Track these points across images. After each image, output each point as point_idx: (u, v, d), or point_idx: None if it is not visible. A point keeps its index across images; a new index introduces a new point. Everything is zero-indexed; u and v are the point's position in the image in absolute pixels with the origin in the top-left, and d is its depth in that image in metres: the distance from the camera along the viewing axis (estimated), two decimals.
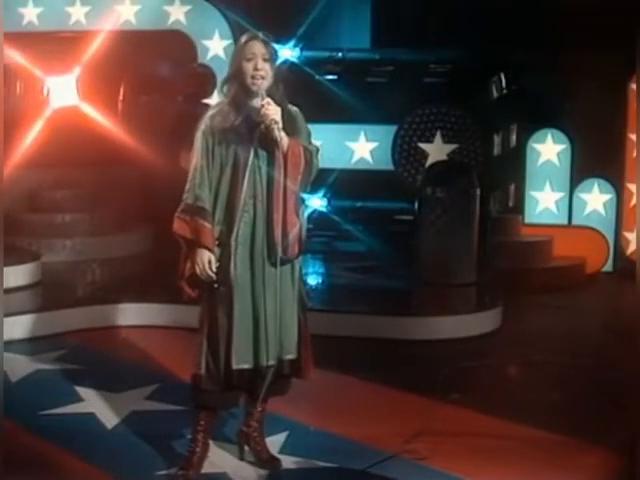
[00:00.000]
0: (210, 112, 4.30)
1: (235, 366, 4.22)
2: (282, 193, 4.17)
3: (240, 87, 4.23)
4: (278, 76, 4.26)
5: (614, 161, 8.91)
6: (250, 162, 4.17)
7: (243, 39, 4.26)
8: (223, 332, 4.22)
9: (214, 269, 4.19)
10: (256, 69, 4.17)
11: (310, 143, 4.34)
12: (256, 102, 4.21)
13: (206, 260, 4.18)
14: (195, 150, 4.24)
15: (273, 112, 4.11)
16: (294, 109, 4.33)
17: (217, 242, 4.21)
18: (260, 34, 4.26)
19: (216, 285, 4.21)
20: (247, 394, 4.45)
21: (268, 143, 4.17)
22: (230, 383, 4.26)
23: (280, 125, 4.12)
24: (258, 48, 4.19)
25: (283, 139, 4.15)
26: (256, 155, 4.18)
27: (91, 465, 4.54)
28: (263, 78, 4.18)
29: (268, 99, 4.14)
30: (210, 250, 4.18)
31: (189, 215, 4.21)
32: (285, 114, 4.19)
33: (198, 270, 4.18)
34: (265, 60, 4.19)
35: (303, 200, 4.37)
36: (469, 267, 7.80)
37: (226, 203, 4.21)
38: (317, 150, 4.35)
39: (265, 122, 4.12)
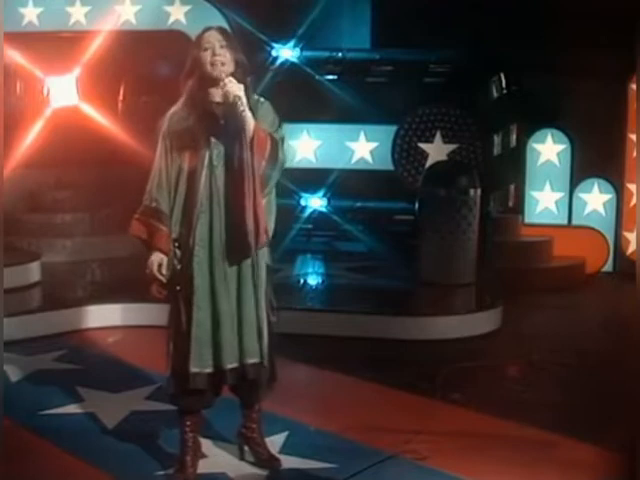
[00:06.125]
0: (169, 112, 4.21)
1: (192, 370, 4.16)
2: (250, 178, 4.04)
3: (199, 79, 4.12)
4: (240, 64, 4.13)
5: (614, 161, 8.90)
6: (206, 163, 4.10)
7: (197, 34, 4.16)
8: (184, 335, 4.16)
9: (164, 272, 4.14)
10: (214, 54, 4.06)
11: (277, 132, 4.20)
12: (215, 94, 4.11)
13: (157, 263, 4.15)
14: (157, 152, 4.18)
15: (235, 88, 4.00)
16: (260, 98, 4.22)
17: (177, 244, 4.16)
18: (215, 25, 4.20)
19: (178, 287, 4.17)
20: (240, 398, 4.43)
21: (229, 133, 4.05)
22: (186, 387, 4.19)
23: (244, 101, 4.01)
24: (214, 37, 4.10)
25: (249, 119, 4.03)
26: (212, 155, 4.10)
27: (91, 465, 4.54)
28: (223, 64, 4.05)
29: (230, 77, 4.04)
30: (164, 253, 4.14)
31: (145, 217, 4.20)
32: (251, 102, 4.08)
33: (148, 272, 4.15)
34: (222, 47, 4.07)
35: (269, 189, 4.17)
36: (469, 267, 7.79)
37: (184, 205, 4.15)
38: (282, 139, 4.22)
39: (229, 99, 4.01)
